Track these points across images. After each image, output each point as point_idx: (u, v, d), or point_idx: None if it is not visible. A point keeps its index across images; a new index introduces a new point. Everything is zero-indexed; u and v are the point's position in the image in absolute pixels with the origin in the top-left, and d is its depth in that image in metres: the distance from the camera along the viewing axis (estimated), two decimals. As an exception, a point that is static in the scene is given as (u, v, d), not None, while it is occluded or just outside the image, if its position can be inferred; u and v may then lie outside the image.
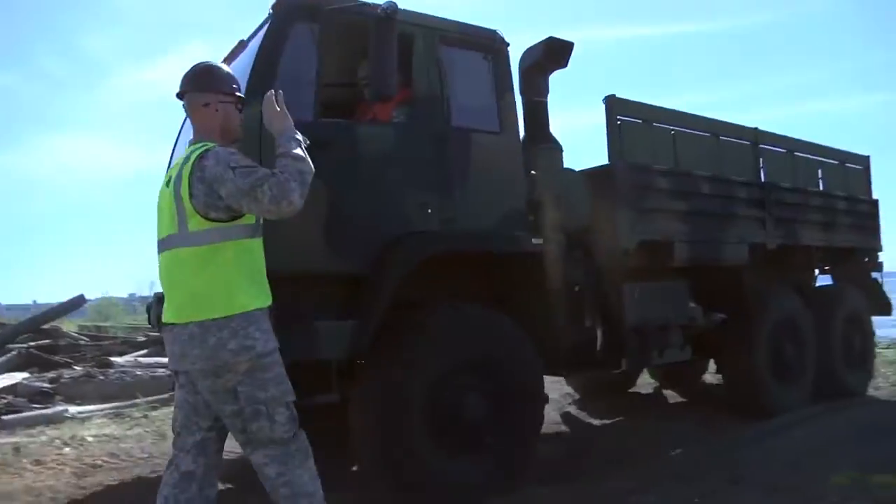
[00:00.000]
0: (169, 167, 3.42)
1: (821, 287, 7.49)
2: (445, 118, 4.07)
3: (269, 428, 2.49)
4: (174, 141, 5.01)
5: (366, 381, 3.68)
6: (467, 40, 4.32)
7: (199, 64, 2.78)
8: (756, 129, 6.42)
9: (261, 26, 4.05)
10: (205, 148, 2.53)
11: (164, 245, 2.61)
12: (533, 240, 4.23)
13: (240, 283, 2.50)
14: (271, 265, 2.70)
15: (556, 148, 5.05)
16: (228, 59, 4.44)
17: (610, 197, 4.87)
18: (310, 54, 3.71)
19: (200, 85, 2.71)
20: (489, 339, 3.92)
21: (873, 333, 7.58)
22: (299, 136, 2.60)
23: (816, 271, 7.69)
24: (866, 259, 7.71)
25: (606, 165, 5.04)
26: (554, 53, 4.99)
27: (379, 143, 3.86)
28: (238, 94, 2.76)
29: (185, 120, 4.99)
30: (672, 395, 7.56)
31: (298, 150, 2.53)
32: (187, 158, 2.54)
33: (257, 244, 2.60)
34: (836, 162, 7.57)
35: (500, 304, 4.21)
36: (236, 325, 2.45)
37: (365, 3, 3.71)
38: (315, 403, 3.41)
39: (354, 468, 4.28)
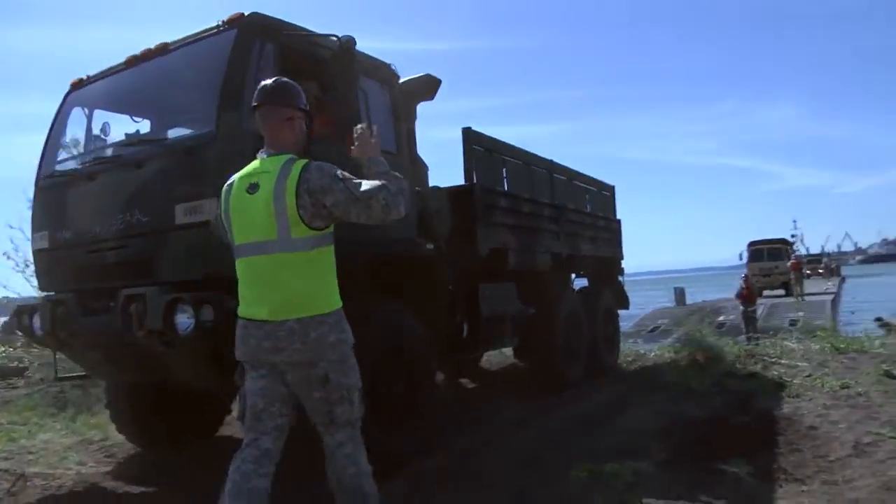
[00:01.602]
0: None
1: (586, 287, 9.40)
2: None
3: (351, 410, 2.81)
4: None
5: None
6: (373, 70, 5.08)
7: (277, 79, 2.96)
8: (550, 160, 8.05)
9: (201, 36, 4.37)
10: (302, 161, 2.76)
11: (256, 249, 2.77)
12: (427, 245, 5.19)
13: (333, 283, 2.83)
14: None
15: (424, 167, 6.08)
16: (142, 58, 4.66)
17: (469, 212, 5.98)
18: (268, 71, 4.07)
19: (283, 100, 2.89)
20: (402, 329, 4.77)
21: (619, 323, 9.77)
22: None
23: (573, 275, 9.61)
24: (614, 266, 9.95)
25: (466, 185, 6.16)
26: (429, 88, 5.99)
27: (334, 161, 4.49)
28: (307, 109, 2.98)
29: (59, 113, 5.09)
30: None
31: (394, 172, 2.85)
32: (285, 170, 2.72)
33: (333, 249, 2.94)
34: (595, 189, 9.64)
35: (400, 300, 5.02)
36: (332, 321, 2.75)
37: (322, 34, 4.35)
38: None
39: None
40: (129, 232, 4.29)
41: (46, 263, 4.97)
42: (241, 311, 2.86)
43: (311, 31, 4.44)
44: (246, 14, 4.23)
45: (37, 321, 4.69)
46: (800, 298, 25.81)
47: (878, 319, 18.60)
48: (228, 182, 2.96)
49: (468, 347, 6.01)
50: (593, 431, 5.38)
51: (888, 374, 6.76)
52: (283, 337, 2.70)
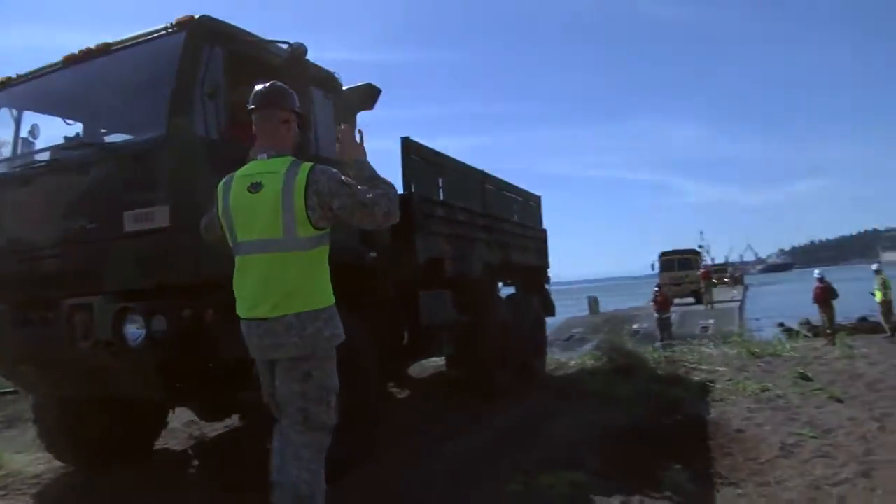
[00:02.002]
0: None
1: (513, 295, 9.51)
2: (315, 148, 4.73)
3: (326, 414, 2.84)
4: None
5: None
6: (319, 79, 5.02)
7: (273, 83, 3.01)
8: (483, 171, 8.13)
9: (147, 38, 4.20)
10: (307, 163, 2.83)
11: (260, 247, 2.79)
12: (370, 253, 5.15)
13: (328, 280, 2.90)
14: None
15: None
16: (81, 58, 4.45)
17: (408, 221, 5.96)
18: (217, 75, 4.05)
19: (280, 102, 2.96)
20: (352, 336, 4.72)
21: (546, 330, 9.94)
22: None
23: (500, 283, 9.72)
24: (542, 274, 10.11)
25: (404, 194, 6.13)
26: (368, 97, 5.95)
27: None
28: (300, 111, 3.06)
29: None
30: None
31: (383, 176, 2.92)
32: (292, 171, 2.78)
33: None
34: (522, 199, 9.79)
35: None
36: (327, 316, 2.83)
37: (271, 41, 4.28)
38: (238, 399, 3.90)
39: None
40: (71, 239, 4.07)
41: None
42: (241, 312, 2.90)
43: (259, 38, 4.33)
44: (196, 17, 4.08)
45: None
46: (710, 306, 27.01)
47: (780, 325, 19.59)
48: (224, 181, 2.97)
49: (408, 355, 5.99)
50: (524, 442, 5.31)
51: (803, 377, 7.11)
52: (281, 332, 2.76)
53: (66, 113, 4.79)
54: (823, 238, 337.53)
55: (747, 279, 61.19)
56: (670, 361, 9.11)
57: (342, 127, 3.07)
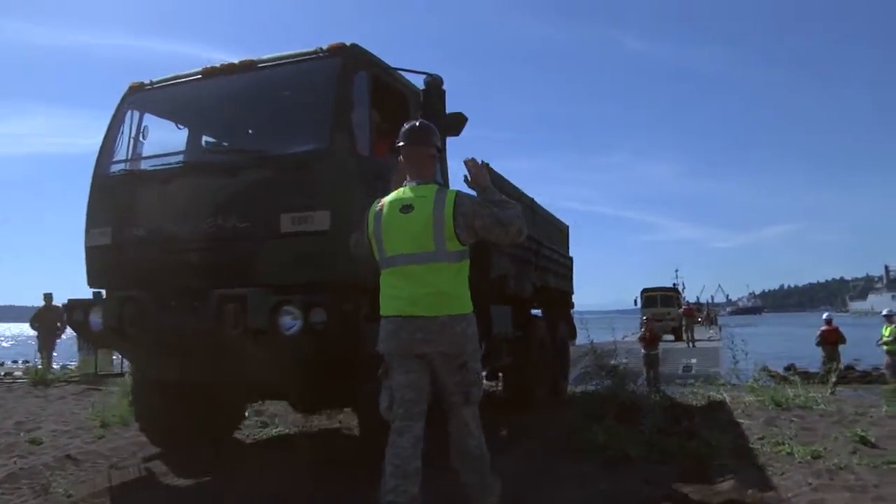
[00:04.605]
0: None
1: (547, 317, 10.03)
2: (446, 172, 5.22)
3: (478, 392, 3.37)
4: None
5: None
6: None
7: (421, 122, 3.56)
8: (532, 198, 8.70)
9: (295, 59, 4.67)
10: (453, 190, 3.37)
11: (412, 259, 3.25)
12: None
13: (468, 290, 3.39)
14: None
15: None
16: (223, 71, 4.89)
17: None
18: (364, 98, 4.55)
19: (429, 139, 3.45)
20: None
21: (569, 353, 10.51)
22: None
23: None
24: (568, 299, 10.70)
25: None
26: (459, 123, 6.47)
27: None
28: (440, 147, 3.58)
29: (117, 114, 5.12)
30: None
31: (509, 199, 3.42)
32: (441, 196, 3.27)
33: None
34: (554, 226, 10.39)
35: None
36: (470, 319, 3.34)
37: (410, 70, 4.85)
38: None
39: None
40: (221, 236, 4.42)
41: (105, 260, 4.95)
42: (393, 310, 3.30)
43: (395, 67, 4.87)
44: (348, 45, 4.58)
45: (94, 317, 4.70)
46: (691, 345, 27.52)
47: (765, 369, 19.80)
48: (377, 206, 3.42)
49: (485, 362, 6.47)
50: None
51: (864, 441, 5.80)
52: (436, 329, 3.21)
53: (201, 120, 5.21)
54: (793, 284, 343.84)
55: (719, 321, 62.32)
56: (677, 406, 7.87)
57: (469, 159, 3.46)
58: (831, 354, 14.22)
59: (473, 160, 3.50)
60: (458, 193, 3.34)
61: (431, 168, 3.47)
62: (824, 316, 15.66)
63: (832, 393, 10.38)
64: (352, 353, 4.25)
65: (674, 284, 51.41)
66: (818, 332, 14.76)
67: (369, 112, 4.67)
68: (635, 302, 34.10)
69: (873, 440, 5.84)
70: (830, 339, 14.39)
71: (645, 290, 34.43)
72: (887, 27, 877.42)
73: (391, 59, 4.90)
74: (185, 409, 5.38)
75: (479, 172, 3.47)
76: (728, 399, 8.62)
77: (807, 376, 11.91)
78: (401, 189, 3.43)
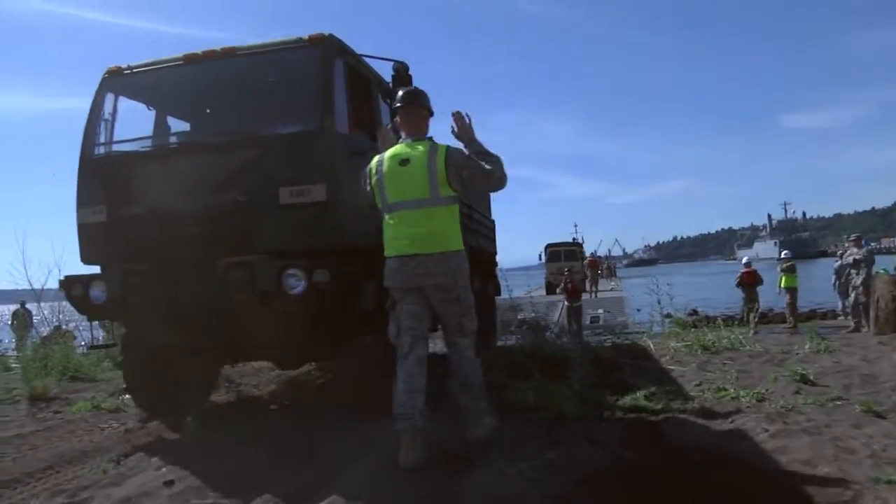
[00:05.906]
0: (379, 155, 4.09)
1: (478, 275, 10.53)
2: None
3: (472, 323, 3.93)
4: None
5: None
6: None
7: (415, 87, 4.16)
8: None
9: (276, 48, 4.95)
10: (443, 144, 3.84)
11: (412, 204, 3.76)
12: None
13: (460, 228, 3.92)
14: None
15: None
16: (204, 58, 5.07)
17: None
18: (341, 83, 4.91)
19: (422, 102, 4.03)
20: None
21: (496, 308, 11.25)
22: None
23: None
24: (493, 260, 11.28)
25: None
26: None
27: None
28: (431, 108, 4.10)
29: (96, 98, 5.22)
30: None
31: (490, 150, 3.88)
32: (433, 150, 3.78)
33: None
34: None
35: None
36: (462, 255, 3.86)
37: (377, 57, 5.28)
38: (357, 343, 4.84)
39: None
40: (222, 210, 4.69)
41: (100, 237, 5.06)
42: (395, 250, 3.83)
43: (365, 55, 5.31)
44: (326, 35, 4.90)
45: (96, 291, 4.87)
46: (594, 295, 28.63)
47: (668, 315, 20.66)
48: (377, 161, 3.93)
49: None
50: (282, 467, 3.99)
51: (804, 380, 5.64)
52: (433, 264, 3.74)
53: (181, 104, 5.43)
54: (685, 235, 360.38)
55: (617, 273, 65.15)
56: (602, 358, 7.07)
57: (456, 112, 3.95)
58: (750, 295, 14.55)
59: (460, 114, 3.96)
60: (449, 147, 3.84)
61: (425, 127, 4.01)
62: (743, 259, 16.18)
63: (756, 333, 10.84)
64: (352, 309, 4.69)
65: (573, 239, 53.21)
66: (738, 274, 15.07)
67: (346, 95, 5.01)
68: (539, 257, 35.20)
69: (812, 378, 5.71)
70: (749, 281, 14.77)
71: (549, 246, 35.42)
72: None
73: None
74: (171, 376, 5.59)
75: (465, 126, 3.96)
76: (651, 346, 8.29)
77: (711, 321, 10.88)
78: (398, 146, 3.91)
